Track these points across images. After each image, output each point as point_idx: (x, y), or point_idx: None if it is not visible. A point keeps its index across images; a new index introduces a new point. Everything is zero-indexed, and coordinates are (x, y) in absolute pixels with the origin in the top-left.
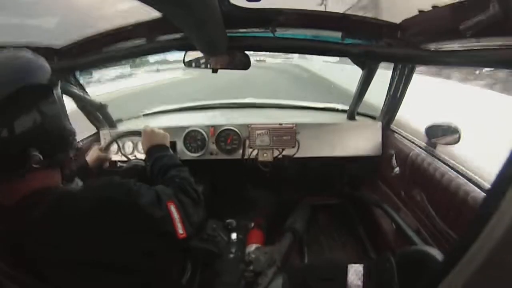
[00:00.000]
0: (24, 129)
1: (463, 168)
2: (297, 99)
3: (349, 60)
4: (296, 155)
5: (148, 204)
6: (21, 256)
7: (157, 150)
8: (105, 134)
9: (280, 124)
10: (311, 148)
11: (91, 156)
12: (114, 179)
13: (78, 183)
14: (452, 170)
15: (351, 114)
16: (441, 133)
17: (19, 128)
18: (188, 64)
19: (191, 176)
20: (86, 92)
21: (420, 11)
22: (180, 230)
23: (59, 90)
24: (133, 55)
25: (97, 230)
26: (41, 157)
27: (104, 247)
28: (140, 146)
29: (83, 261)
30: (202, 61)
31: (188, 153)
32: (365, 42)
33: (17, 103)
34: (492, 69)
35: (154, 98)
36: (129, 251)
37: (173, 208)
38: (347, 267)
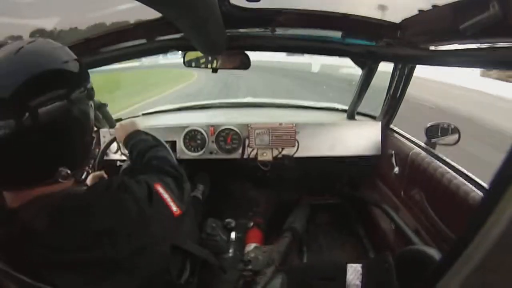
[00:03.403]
0: (60, 139)
1: (463, 168)
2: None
3: None
4: (296, 155)
5: (144, 196)
6: (23, 258)
7: (130, 139)
8: (105, 133)
9: (280, 123)
10: (311, 147)
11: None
12: (113, 181)
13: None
14: (451, 170)
15: (351, 114)
16: (440, 133)
17: (56, 136)
18: (188, 64)
19: (169, 153)
20: None
21: (420, 11)
22: (174, 207)
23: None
24: (133, 55)
25: (102, 231)
26: (69, 172)
27: (108, 247)
28: None
29: (87, 263)
30: (202, 61)
31: (188, 152)
32: (365, 42)
33: (53, 92)
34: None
35: None
36: (133, 246)
37: (161, 189)
38: (346, 266)
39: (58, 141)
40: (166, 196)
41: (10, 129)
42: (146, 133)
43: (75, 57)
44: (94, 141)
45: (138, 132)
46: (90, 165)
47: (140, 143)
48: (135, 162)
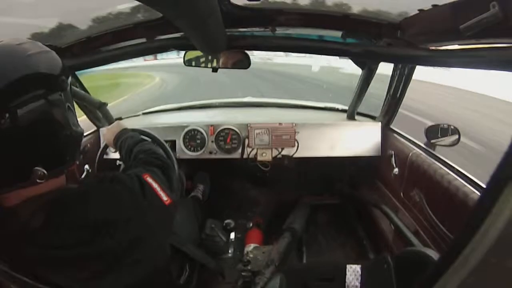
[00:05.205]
0: (28, 140)
1: (463, 170)
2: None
3: None
4: (296, 155)
5: (136, 188)
6: (22, 258)
7: (118, 139)
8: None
9: (280, 123)
10: (311, 147)
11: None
12: (106, 175)
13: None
14: (451, 172)
15: (351, 114)
16: (440, 134)
17: (24, 138)
18: (188, 63)
19: (155, 145)
20: (87, 90)
21: (420, 11)
22: (164, 197)
23: (70, 86)
24: (133, 55)
25: (99, 223)
26: (45, 172)
27: (108, 239)
28: None
29: (87, 257)
30: (202, 60)
31: (188, 152)
32: (365, 41)
33: (23, 94)
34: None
35: None
36: (131, 236)
37: (150, 179)
38: (345, 267)
39: (30, 141)
40: (155, 185)
41: None
42: (133, 129)
43: (49, 51)
44: (76, 139)
45: (124, 131)
46: (77, 162)
47: (127, 141)
48: (125, 160)
